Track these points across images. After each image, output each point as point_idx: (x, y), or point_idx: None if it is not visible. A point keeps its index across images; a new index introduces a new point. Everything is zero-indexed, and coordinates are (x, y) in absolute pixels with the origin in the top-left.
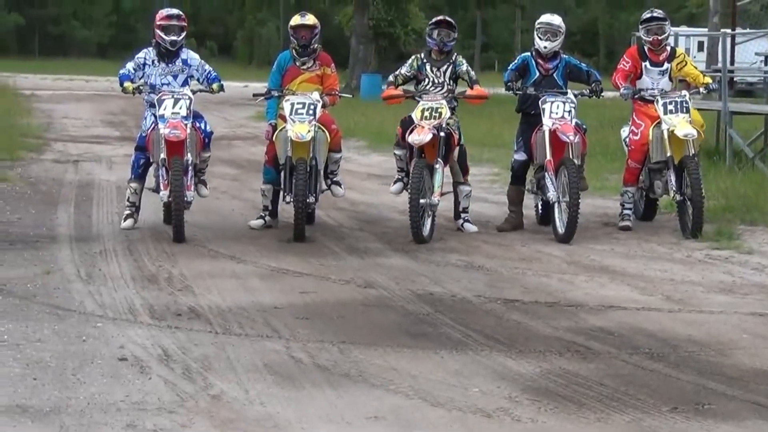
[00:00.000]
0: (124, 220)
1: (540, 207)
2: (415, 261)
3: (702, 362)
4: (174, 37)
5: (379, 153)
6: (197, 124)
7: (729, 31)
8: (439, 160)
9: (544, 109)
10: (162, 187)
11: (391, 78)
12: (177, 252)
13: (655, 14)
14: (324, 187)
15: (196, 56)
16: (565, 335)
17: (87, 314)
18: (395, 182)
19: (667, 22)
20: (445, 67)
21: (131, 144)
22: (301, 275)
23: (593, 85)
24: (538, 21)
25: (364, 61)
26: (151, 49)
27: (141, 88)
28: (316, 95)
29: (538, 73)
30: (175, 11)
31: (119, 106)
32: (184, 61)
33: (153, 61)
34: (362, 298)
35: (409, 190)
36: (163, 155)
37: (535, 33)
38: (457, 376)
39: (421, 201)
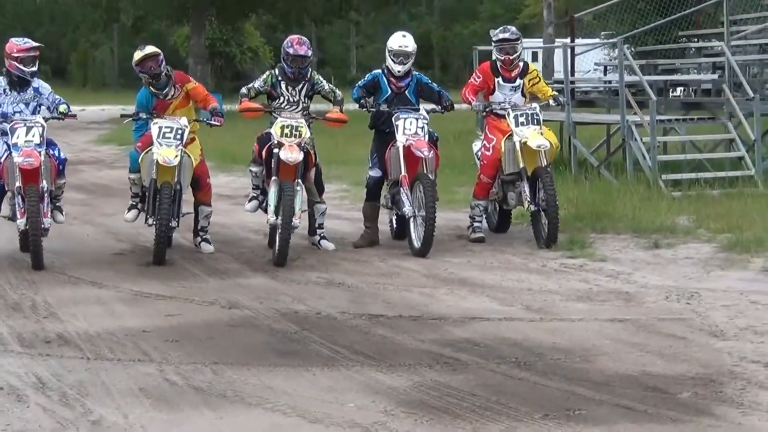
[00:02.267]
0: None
1: (395, 222)
2: (276, 280)
3: (568, 369)
4: (33, 68)
5: (227, 173)
6: (51, 152)
7: (569, 42)
8: (299, 181)
9: (397, 126)
10: (18, 215)
11: (244, 90)
12: (38, 279)
13: (507, 35)
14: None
15: (47, 85)
16: (433, 348)
17: None
18: (250, 200)
19: (519, 42)
20: (301, 86)
21: None
22: (164, 298)
23: (445, 103)
24: (390, 45)
25: (202, 81)
26: (1, 78)
27: None
28: (184, 120)
29: (390, 91)
30: (33, 43)
31: None
32: (36, 90)
33: (4, 90)
34: (228, 318)
35: (268, 211)
36: (18, 183)
37: (387, 54)
38: (331, 392)
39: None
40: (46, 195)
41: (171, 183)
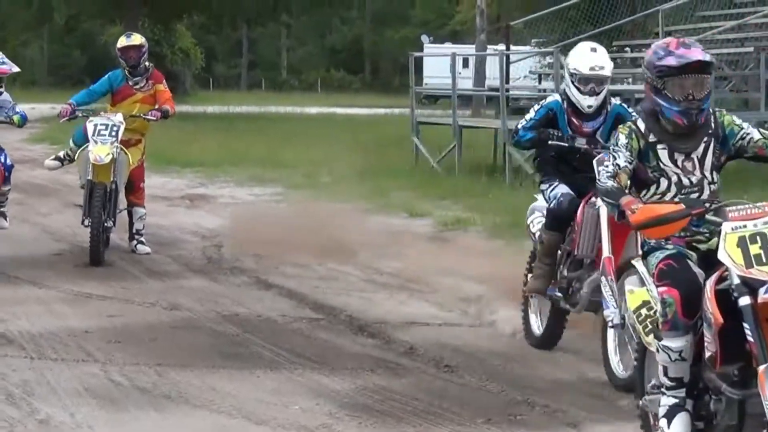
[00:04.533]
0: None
1: (540, 318)
2: (216, 282)
3: (508, 375)
4: (2, 89)
5: (160, 174)
6: None
7: (504, 49)
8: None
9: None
10: None
11: None
12: None
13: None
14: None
15: (7, 96)
16: (374, 352)
17: None
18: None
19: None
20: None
21: None
22: (105, 299)
23: None
24: (575, 65)
25: None
26: None
27: None
28: (119, 117)
29: (570, 133)
30: (16, 67)
31: None
32: None
33: None
34: (170, 320)
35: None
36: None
37: (569, 79)
38: (275, 394)
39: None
40: None
41: (106, 183)
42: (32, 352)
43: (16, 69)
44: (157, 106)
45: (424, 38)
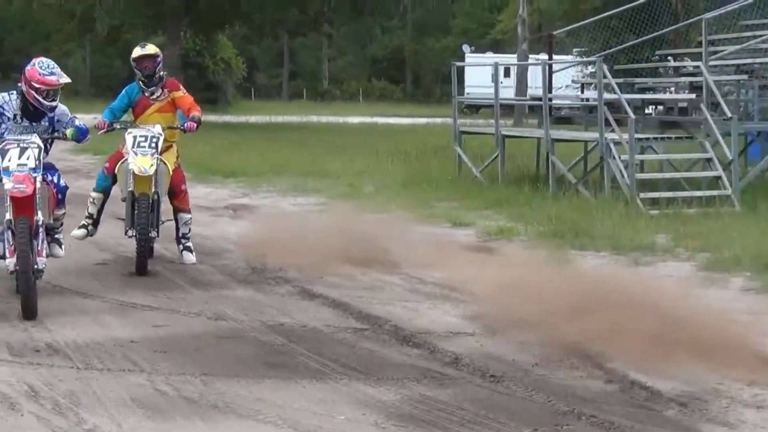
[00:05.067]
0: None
1: None
2: (260, 292)
3: (554, 384)
4: (54, 103)
5: (204, 184)
6: (49, 177)
7: (546, 59)
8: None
9: None
10: (8, 254)
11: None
12: None
13: None
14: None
15: (66, 109)
16: (419, 362)
17: None
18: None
19: None
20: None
21: None
22: (150, 309)
23: None
24: None
25: None
26: (15, 99)
27: None
28: (158, 128)
29: None
30: (62, 79)
31: None
32: (51, 119)
33: (15, 116)
34: (215, 330)
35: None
36: (8, 215)
37: None
38: (321, 404)
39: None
40: (41, 230)
41: (148, 193)
42: (78, 362)
43: (65, 80)
44: (191, 115)
45: (466, 48)
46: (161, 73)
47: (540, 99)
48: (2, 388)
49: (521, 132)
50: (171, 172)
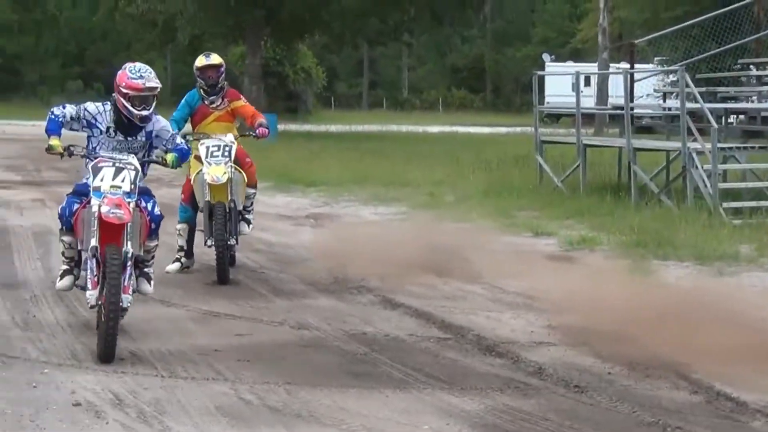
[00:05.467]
0: (60, 279)
1: None
2: (342, 301)
3: (638, 395)
4: (145, 111)
5: (285, 193)
6: (143, 204)
7: (627, 68)
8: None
9: None
10: (90, 285)
11: None
12: None
13: None
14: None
15: (166, 124)
16: (502, 372)
17: (32, 361)
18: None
19: None
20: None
21: (37, 189)
22: (233, 318)
23: None
24: None
25: (256, 101)
26: (108, 109)
27: (72, 149)
28: (230, 137)
29: None
30: (151, 82)
31: (14, 149)
32: (149, 135)
33: (107, 129)
34: (297, 339)
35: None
36: (93, 242)
37: None
38: (405, 414)
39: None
40: (129, 262)
41: (224, 202)
42: (163, 371)
43: (151, 84)
44: (257, 123)
45: (546, 57)
46: (223, 83)
47: (621, 108)
48: (88, 396)
49: (602, 141)
50: (246, 180)
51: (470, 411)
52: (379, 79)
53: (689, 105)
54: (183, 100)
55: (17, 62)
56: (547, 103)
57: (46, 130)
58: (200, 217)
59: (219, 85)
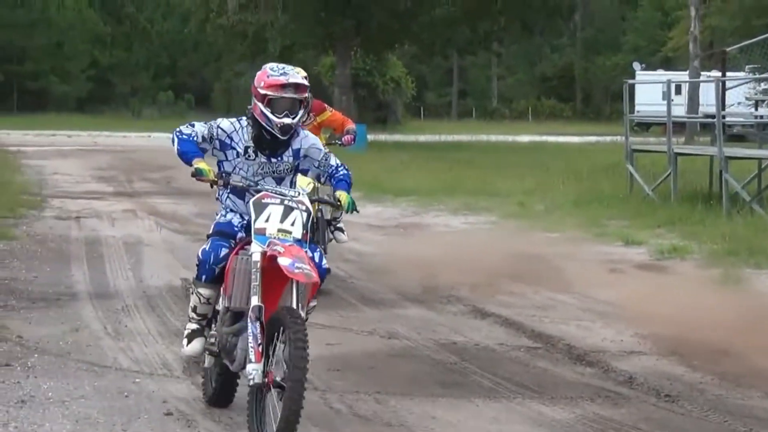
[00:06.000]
0: (188, 342)
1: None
2: (432, 311)
3: (729, 404)
4: (288, 120)
5: (375, 203)
6: (309, 254)
7: (719, 75)
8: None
9: None
10: (254, 358)
11: None
12: None
13: None
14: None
15: (316, 141)
16: (593, 381)
17: (123, 370)
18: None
19: None
20: None
21: (127, 199)
22: (323, 327)
23: None
24: None
25: (346, 111)
26: (245, 126)
27: (228, 177)
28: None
29: None
30: (296, 78)
31: (105, 160)
32: (296, 153)
33: (245, 150)
34: (388, 348)
35: None
36: (257, 301)
37: None
38: (495, 423)
39: None
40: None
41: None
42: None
43: (296, 80)
44: (345, 129)
45: (636, 65)
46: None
47: (712, 116)
48: (179, 405)
49: (694, 150)
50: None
51: (560, 420)
52: (469, 88)
53: None
54: None
55: (109, 74)
56: (638, 111)
57: (182, 153)
58: None
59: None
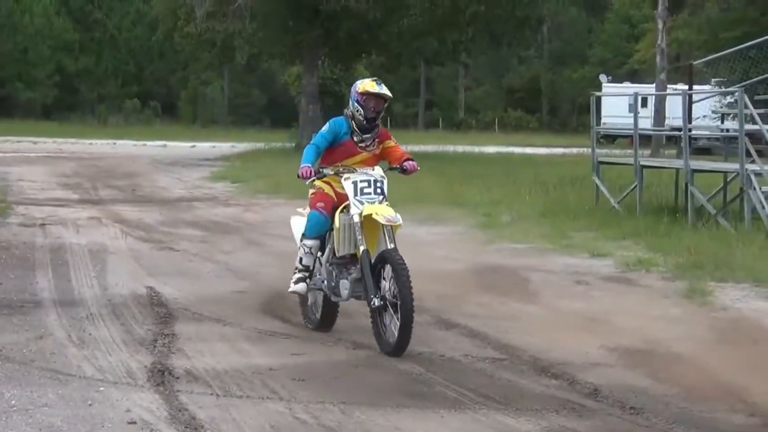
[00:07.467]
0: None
1: None
2: None
3: (695, 418)
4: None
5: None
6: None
7: (687, 89)
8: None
9: None
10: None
11: None
12: (162, 315)
13: None
14: None
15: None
16: (558, 393)
17: (87, 378)
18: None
19: None
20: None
21: (93, 207)
22: (288, 337)
23: None
24: None
25: (314, 121)
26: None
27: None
28: (378, 170)
29: None
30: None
31: (71, 168)
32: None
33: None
34: (353, 359)
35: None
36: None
37: None
38: None
39: None
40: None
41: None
42: (218, 389)
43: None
44: (403, 159)
45: (603, 77)
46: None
47: (678, 129)
48: (143, 414)
49: (660, 162)
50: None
51: None
52: (436, 99)
53: (748, 126)
54: (327, 127)
55: (76, 81)
56: (603, 124)
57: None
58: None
59: (377, 121)
